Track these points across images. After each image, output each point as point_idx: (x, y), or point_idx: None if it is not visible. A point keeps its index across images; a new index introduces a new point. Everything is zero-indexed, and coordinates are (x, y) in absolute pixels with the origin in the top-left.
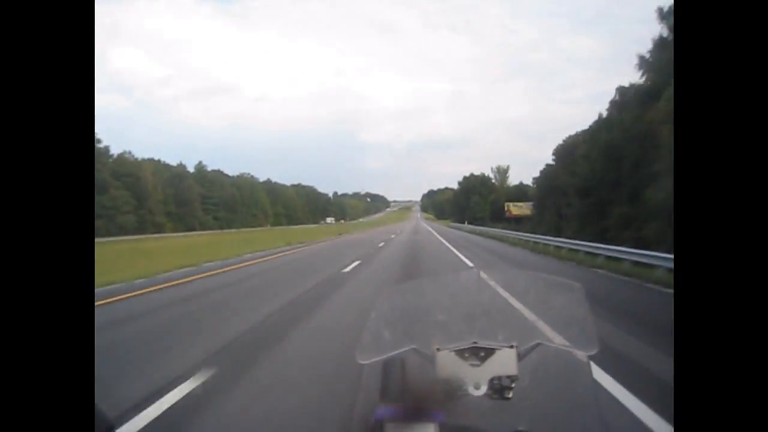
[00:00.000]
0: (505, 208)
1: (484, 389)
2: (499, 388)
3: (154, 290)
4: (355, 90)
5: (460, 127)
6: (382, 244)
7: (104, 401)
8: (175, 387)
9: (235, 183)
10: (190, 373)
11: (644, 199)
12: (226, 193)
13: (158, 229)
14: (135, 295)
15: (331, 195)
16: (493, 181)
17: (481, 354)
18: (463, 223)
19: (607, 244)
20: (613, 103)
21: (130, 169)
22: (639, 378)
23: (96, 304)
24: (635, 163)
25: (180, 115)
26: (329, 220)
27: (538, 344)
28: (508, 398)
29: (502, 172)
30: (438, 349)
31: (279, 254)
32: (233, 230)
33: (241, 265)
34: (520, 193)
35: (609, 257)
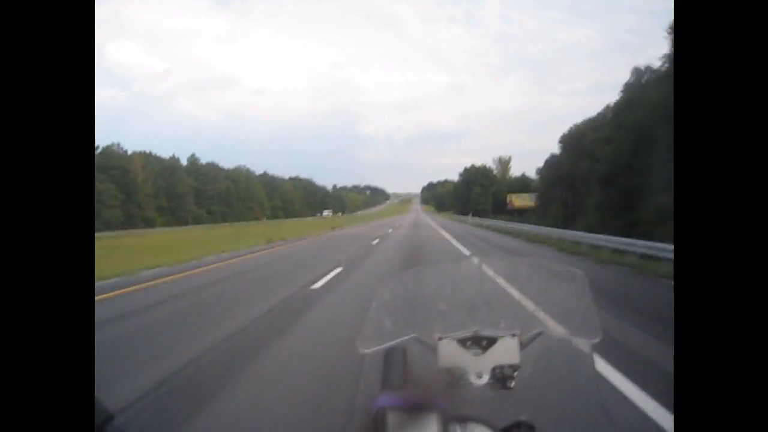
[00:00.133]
0: (508, 200)
1: (486, 378)
2: (501, 377)
3: None
4: (354, 82)
5: (459, 119)
6: (376, 242)
7: None
8: None
9: (230, 176)
10: None
11: None
12: (221, 186)
13: (148, 223)
14: None
15: (330, 188)
16: (495, 172)
17: (483, 343)
18: (467, 215)
19: (639, 238)
20: (628, 85)
21: (117, 162)
22: None
23: None
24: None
25: (179, 108)
26: (326, 212)
27: (540, 333)
28: (510, 387)
29: (504, 163)
30: (440, 338)
31: (249, 255)
32: (225, 224)
33: (184, 274)
34: (522, 184)
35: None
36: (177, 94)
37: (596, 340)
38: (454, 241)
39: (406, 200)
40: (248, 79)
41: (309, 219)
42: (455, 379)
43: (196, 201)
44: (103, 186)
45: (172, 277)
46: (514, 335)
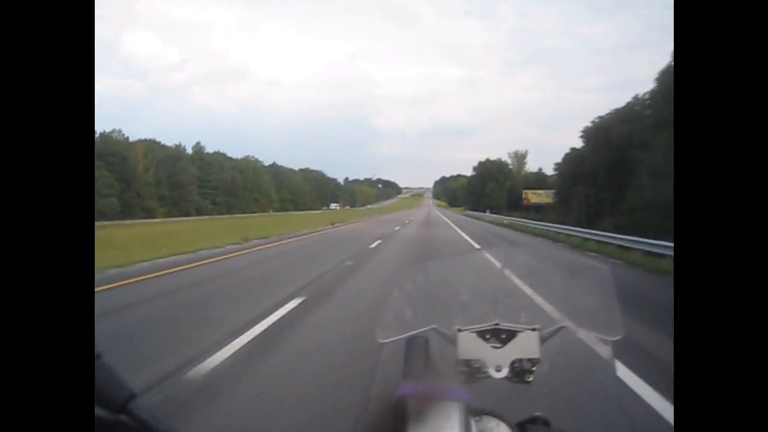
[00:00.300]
0: (523, 196)
1: (505, 372)
2: (520, 371)
3: None
4: (367, 75)
5: (473, 114)
6: (376, 244)
7: None
8: None
9: (237, 166)
10: None
11: None
12: (226, 176)
13: (148, 213)
14: None
15: (342, 181)
16: (510, 166)
17: (502, 336)
18: (484, 211)
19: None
20: (663, 73)
21: (115, 148)
22: None
23: None
24: None
25: (193, 99)
26: (333, 206)
27: (561, 328)
28: (528, 382)
29: (520, 158)
30: (459, 330)
31: (199, 263)
32: (226, 216)
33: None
34: (539, 180)
35: None
36: (192, 84)
37: (617, 338)
38: (471, 241)
39: (417, 194)
40: (262, 71)
41: (315, 212)
42: (474, 371)
43: (201, 191)
44: (98, 173)
45: None
46: (534, 329)
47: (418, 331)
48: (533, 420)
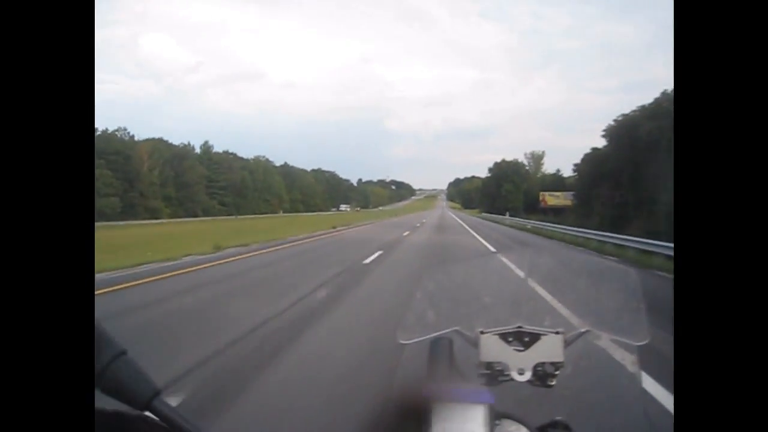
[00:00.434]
0: (540, 198)
1: (528, 375)
2: (542, 374)
3: None
4: (382, 77)
5: (487, 116)
6: (375, 256)
7: None
8: None
9: (247, 166)
10: None
11: None
12: (235, 176)
13: (152, 214)
14: None
15: (355, 182)
16: (527, 168)
17: (525, 339)
18: (503, 214)
19: None
20: None
21: (118, 147)
22: None
23: None
24: None
25: (208, 100)
26: (343, 207)
27: (586, 331)
28: (551, 386)
29: (537, 159)
30: (482, 332)
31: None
32: (231, 217)
33: None
34: (556, 181)
35: None
36: (207, 86)
37: (642, 343)
38: (495, 251)
39: (431, 196)
40: (276, 73)
41: (324, 214)
42: (496, 373)
43: (209, 192)
44: (98, 172)
45: None
46: (558, 332)
47: (440, 332)
48: (554, 424)
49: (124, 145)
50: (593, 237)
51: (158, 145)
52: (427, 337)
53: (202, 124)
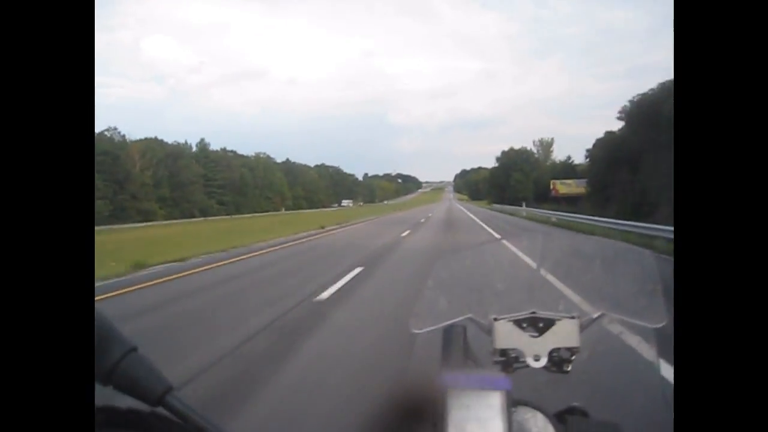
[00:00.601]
0: (551, 186)
1: (544, 361)
2: (558, 360)
3: None
4: (385, 71)
5: (492, 106)
6: (348, 279)
7: None
8: None
9: (247, 164)
10: None
11: None
12: (234, 174)
13: (145, 216)
14: None
15: (361, 177)
16: (536, 156)
17: (539, 324)
18: (517, 204)
19: None
20: None
21: (105, 147)
22: None
23: None
24: None
25: (212, 100)
26: (345, 202)
27: (601, 315)
28: (567, 371)
29: (546, 146)
30: (495, 319)
31: None
32: (226, 217)
33: None
34: (567, 169)
35: None
36: (210, 86)
37: (660, 325)
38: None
39: (438, 188)
40: (279, 70)
41: (326, 210)
42: (511, 360)
43: (206, 190)
44: None
45: None
46: (573, 317)
47: (454, 320)
48: (571, 410)
49: (113, 146)
50: (642, 229)
51: (151, 144)
52: (440, 325)
53: (206, 124)
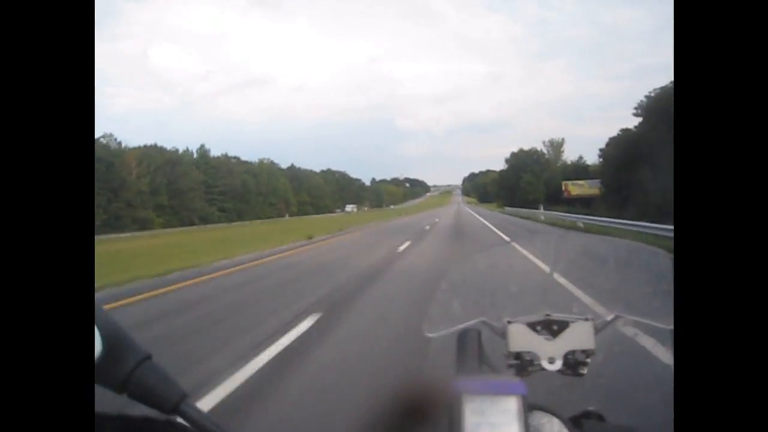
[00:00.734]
0: (563, 188)
1: (558, 364)
2: (573, 363)
3: None
4: (391, 76)
5: (499, 109)
6: (293, 338)
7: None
8: None
9: (250, 170)
10: None
11: None
12: (236, 180)
13: (142, 225)
14: None
15: (369, 181)
16: (546, 156)
17: (554, 327)
18: (530, 207)
19: None
20: None
21: (99, 154)
22: None
23: None
24: None
25: (219, 109)
26: (349, 208)
27: (616, 317)
28: (582, 374)
29: (556, 147)
30: (509, 322)
31: None
32: (223, 225)
33: None
34: (578, 169)
35: None
36: (217, 95)
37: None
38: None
39: (446, 192)
40: (286, 78)
41: (330, 216)
42: (525, 363)
43: (207, 197)
44: None
45: None
46: (587, 319)
47: (467, 324)
48: (587, 415)
49: (108, 153)
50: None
51: (150, 151)
52: (454, 329)
53: (213, 132)
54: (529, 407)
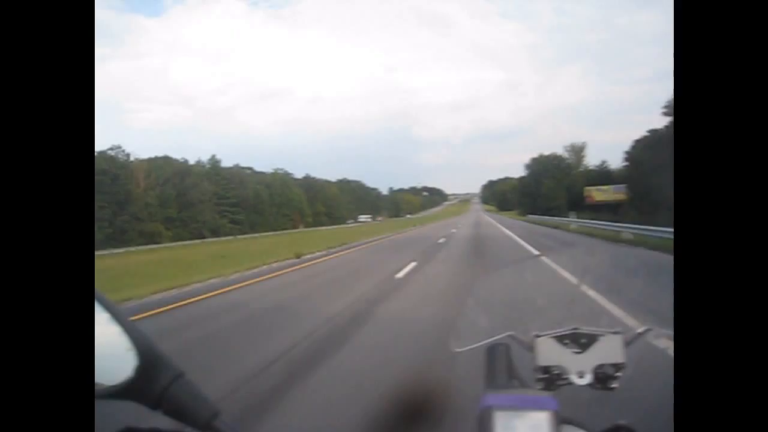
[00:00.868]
0: (586, 194)
1: (588, 378)
2: (603, 377)
3: None
4: (407, 85)
5: (517, 116)
6: None
7: None
8: None
9: (263, 180)
10: None
11: None
12: (248, 191)
13: (150, 239)
14: None
15: (386, 191)
16: (568, 161)
17: (582, 341)
18: (561, 215)
19: None
20: None
21: (102, 166)
22: None
23: None
24: None
25: (237, 121)
26: (362, 218)
27: (648, 330)
28: (612, 388)
29: (578, 151)
30: (537, 336)
31: None
32: (231, 238)
33: None
34: (602, 175)
35: None
36: (236, 107)
37: None
38: None
39: (464, 200)
40: (303, 89)
41: (342, 227)
42: (554, 378)
43: (218, 209)
44: None
45: None
46: (617, 332)
47: (495, 338)
48: (617, 429)
49: (114, 165)
50: None
51: (158, 162)
52: (481, 343)
53: (232, 145)
54: (571, 420)
